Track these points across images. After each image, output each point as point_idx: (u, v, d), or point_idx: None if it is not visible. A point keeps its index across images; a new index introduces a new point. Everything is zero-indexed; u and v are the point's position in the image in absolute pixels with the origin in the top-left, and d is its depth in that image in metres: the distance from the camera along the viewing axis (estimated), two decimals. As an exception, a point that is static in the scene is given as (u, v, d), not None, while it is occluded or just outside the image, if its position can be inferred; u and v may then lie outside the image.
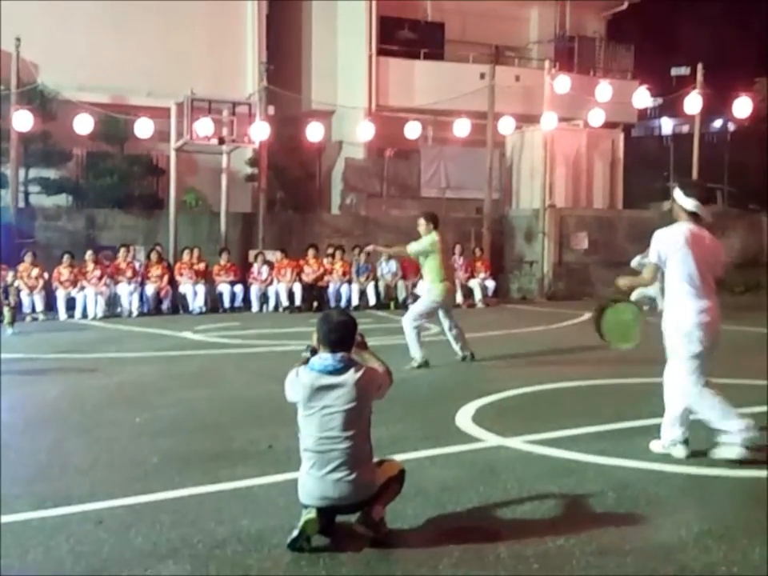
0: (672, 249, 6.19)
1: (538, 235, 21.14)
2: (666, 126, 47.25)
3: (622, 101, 22.16)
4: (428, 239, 11.03)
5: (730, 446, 6.22)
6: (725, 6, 35.97)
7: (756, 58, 30.19)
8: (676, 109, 24.69)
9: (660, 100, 33.61)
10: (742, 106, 20.62)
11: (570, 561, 4.54)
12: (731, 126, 35.05)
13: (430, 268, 11.00)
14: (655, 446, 6.53)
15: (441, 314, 11.21)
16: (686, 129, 35.07)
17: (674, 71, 43.31)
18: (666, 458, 6.42)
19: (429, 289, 11.09)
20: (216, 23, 22.43)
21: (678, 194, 6.36)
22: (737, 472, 6.11)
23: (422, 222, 11.19)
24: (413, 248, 11.15)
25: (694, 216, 6.29)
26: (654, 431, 6.78)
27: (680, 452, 6.37)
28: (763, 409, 7.36)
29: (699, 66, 21.67)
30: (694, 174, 22.24)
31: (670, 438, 6.43)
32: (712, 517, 5.19)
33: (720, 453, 6.27)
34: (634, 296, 18.36)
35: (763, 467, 6.10)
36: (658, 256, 6.26)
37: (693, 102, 21.15)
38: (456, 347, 11.28)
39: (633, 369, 10.63)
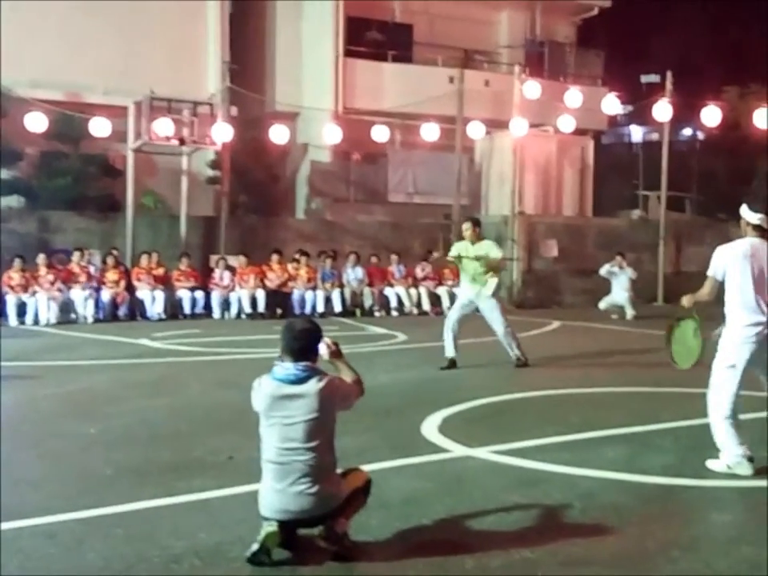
0: (731, 263, 6.37)
1: (507, 242, 21.22)
2: (636, 133, 47.72)
3: (591, 107, 22.32)
4: (490, 242, 11.66)
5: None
6: (695, 15, 36.45)
7: (726, 67, 30.61)
8: (646, 116, 24.94)
9: (630, 107, 33.98)
10: (711, 115, 20.88)
11: (535, 572, 4.56)
12: (700, 135, 35.45)
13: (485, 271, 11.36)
14: (715, 465, 6.45)
15: (460, 315, 11.55)
16: (655, 137, 35.42)
17: (644, 78, 43.78)
18: (632, 467, 6.47)
19: (490, 291, 11.41)
20: (178, 20, 22.30)
21: (744, 209, 6.53)
22: (702, 482, 6.19)
23: (467, 226, 11.67)
24: (498, 253, 11.60)
25: (759, 230, 6.44)
26: (619, 441, 6.84)
27: (745, 469, 6.32)
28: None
29: (669, 74, 21.90)
30: (663, 183, 22.46)
31: (733, 455, 6.37)
32: (678, 527, 5.26)
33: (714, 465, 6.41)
34: (602, 305, 18.61)
35: (726, 478, 6.20)
36: (717, 270, 6.43)
37: (662, 110, 21.36)
38: (511, 350, 11.58)
39: (601, 378, 10.74)
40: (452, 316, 11.71)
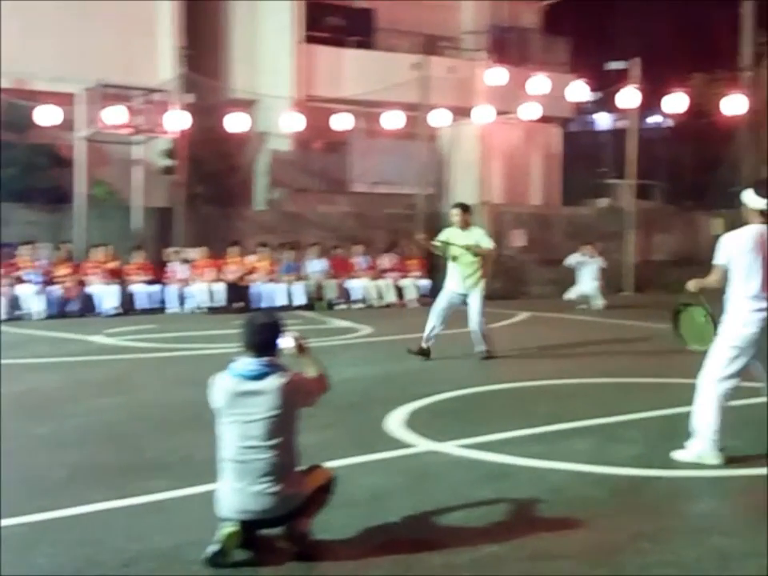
0: (738, 251, 6.36)
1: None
2: (604, 121, 48.01)
3: (558, 94, 22.41)
4: (480, 231, 11.59)
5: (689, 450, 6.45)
6: (663, 0, 36.69)
7: (694, 53, 30.82)
8: (613, 104, 25.04)
9: (597, 94, 34.14)
10: (678, 102, 21.07)
11: (503, 567, 4.57)
12: (668, 122, 35.72)
13: (475, 261, 11.40)
14: (683, 455, 6.51)
15: (447, 305, 11.61)
16: (623, 124, 35.65)
17: (612, 65, 44.03)
18: (600, 459, 6.52)
19: (478, 282, 11.50)
20: (130, 4, 22.01)
21: (748, 194, 6.51)
22: (672, 472, 6.25)
23: (456, 211, 11.55)
24: (489, 244, 11.54)
25: (764, 215, 6.42)
26: (588, 433, 6.84)
27: (715, 459, 6.38)
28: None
29: (636, 61, 22.06)
30: (631, 171, 22.63)
31: (706, 443, 6.42)
32: (646, 519, 5.28)
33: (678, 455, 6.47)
34: (569, 296, 18.72)
35: (695, 468, 6.28)
36: (724, 258, 6.42)
37: (630, 97, 21.52)
38: (481, 344, 11.65)
39: (569, 369, 10.81)
40: (438, 305, 11.71)
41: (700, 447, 6.42)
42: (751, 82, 22.91)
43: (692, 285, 6.74)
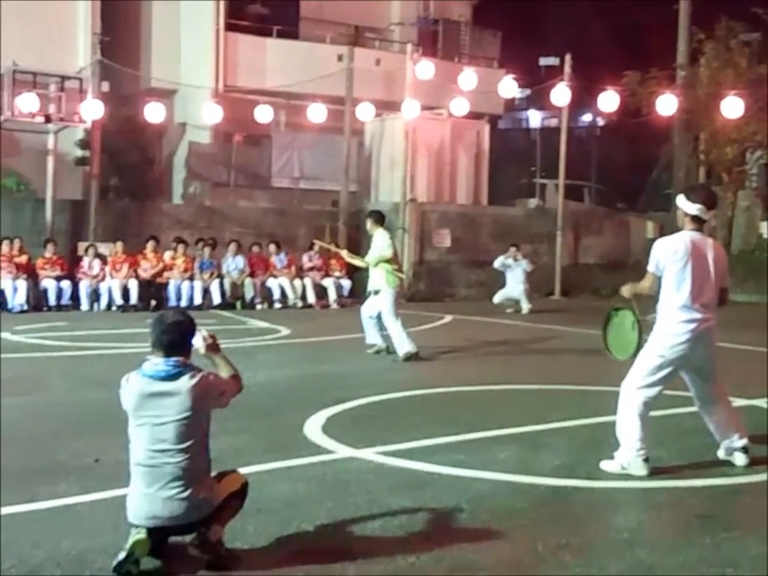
0: (670, 259, 6.41)
1: (398, 231, 21.34)
2: (534, 118, 48.68)
3: (488, 90, 22.60)
4: (383, 240, 11.94)
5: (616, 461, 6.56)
6: (596, -5, 37.23)
7: (626, 51, 31.36)
8: (544, 101, 25.40)
9: (528, 91, 34.55)
10: (610, 100, 21.30)
11: (421, 579, 4.61)
12: (600, 121, 36.32)
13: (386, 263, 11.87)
14: (609, 465, 6.58)
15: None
16: (554, 122, 36.15)
17: (543, 61, 44.64)
18: (523, 469, 6.60)
19: (386, 281, 11.86)
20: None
21: (680, 198, 6.59)
22: (595, 483, 6.34)
23: (368, 222, 12.28)
24: (373, 257, 12.01)
25: (697, 221, 6.50)
26: (511, 441, 6.92)
27: (641, 470, 6.45)
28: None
29: (568, 57, 22.33)
30: (561, 170, 22.91)
31: (631, 453, 6.50)
32: (570, 530, 5.35)
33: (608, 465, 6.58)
34: (496, 299, 18.92)
35: (620, 479, 6.38)
36: (656, 265, 6.49)
37: (561, 95, 21.72)
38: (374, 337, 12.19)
39: (493, 375, 10.92)
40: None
41: (625, 457, 6.51)
42: (686, 81, 23.30)
43: (626, 290, 6.85)
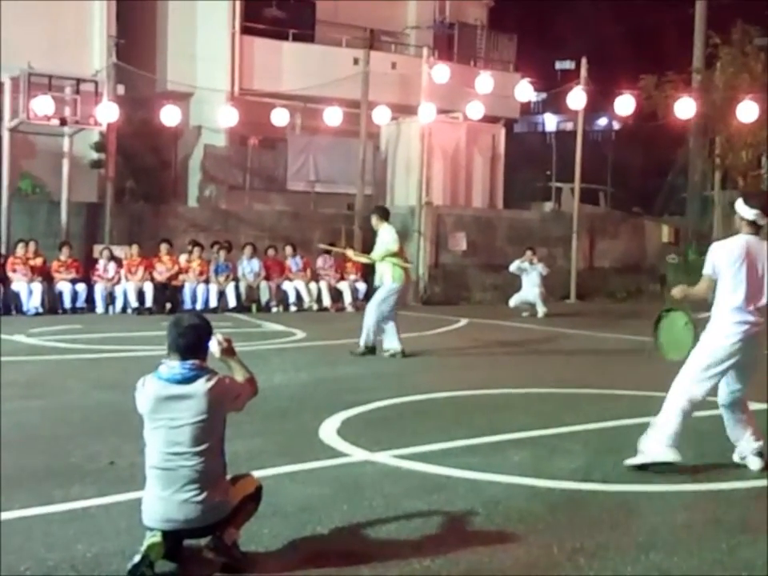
0: (726, 262, 6.49)
1: (414, 235, 21.36)
2: (550, 122, 48.62)
3: (503, 93, 22.60)
4: (389, 235, 12.10)
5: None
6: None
7: (642, 54, 31.28)
8: (560, 105, 25.34)
9: (543, 95, 34.54)
10: (626, 104, 21.26)
11: (436, 583, 4.61)
12: (616, 125, 36.21)
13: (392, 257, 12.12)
14: (634, 460, 6.64)
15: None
16: (570, 126, 36.13)
17: (559, 65, 44.60)
18: (539, 472, 6.58)
19: (392, 275, 12.08)
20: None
21: (739, 203, 6.66)
22: (611, 487, 6.33)
23: (373, 218, 12.47)
24: (379, 252, 12.20)
25: (753, 226, 6.57)
26: (526, 445, 6.88)
27: (671, 456, 6.53)
28: (638, 420, 7.60)
29: (584, 61, 22.29)
30: (577, 174, 22.86)
31: (654, 450, 6.56)
32: (585, 534, 5.34)
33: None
34: (512, 302, 18.90)
35: (636, 483, 6.36)
36: (712, 268, 6.55)
37: (576, 98, 21.70)
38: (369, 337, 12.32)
39: (508, 378, 10.91)
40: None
41: (652, 451, 6.55)
42: (702, 85, 23.23)
43: (677, 292, 6.89)
